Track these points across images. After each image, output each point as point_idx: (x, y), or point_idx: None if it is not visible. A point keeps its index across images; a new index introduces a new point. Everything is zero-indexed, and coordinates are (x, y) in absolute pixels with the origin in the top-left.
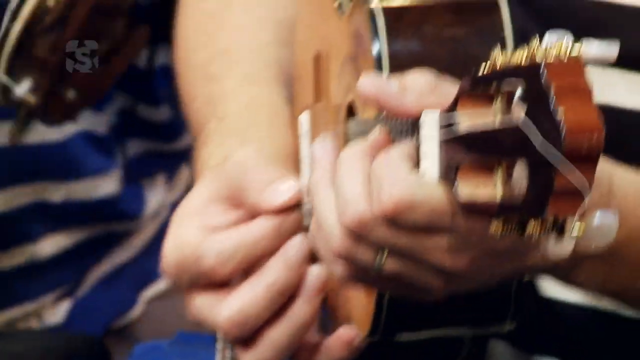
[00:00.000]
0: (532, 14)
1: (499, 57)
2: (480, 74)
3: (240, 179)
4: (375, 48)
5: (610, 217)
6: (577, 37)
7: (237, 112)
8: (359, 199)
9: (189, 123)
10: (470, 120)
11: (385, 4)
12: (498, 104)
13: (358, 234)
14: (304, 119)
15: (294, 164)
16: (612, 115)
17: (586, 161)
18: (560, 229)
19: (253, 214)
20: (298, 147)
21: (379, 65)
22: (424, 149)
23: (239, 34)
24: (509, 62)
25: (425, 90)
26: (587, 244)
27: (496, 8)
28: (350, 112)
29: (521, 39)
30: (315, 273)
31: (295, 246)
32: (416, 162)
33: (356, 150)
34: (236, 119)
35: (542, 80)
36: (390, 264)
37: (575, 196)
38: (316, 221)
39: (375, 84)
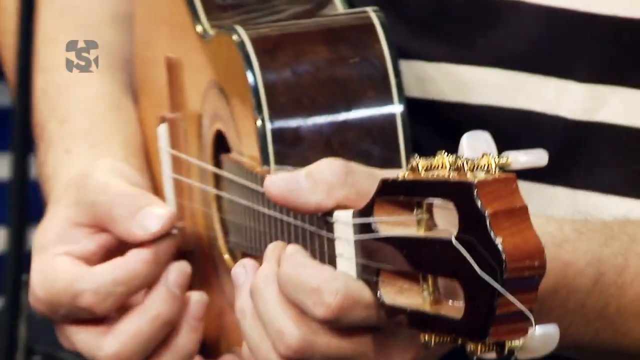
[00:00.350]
0: (404, 26)
1: (419, 162)
2: (400, 179)
3: (105, 208)
4: (249, 80)
5: (551, 329)
6: (455, 38)
7: (78, 111)
8: (291, 327)
9: None
10: (389, 226)
11: (254, 35)
12: (421, 215)
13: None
14: (162, 131)
15: (146, 160)
16: (494, 115)
17: (529, 286)
18: (500, 347)
19: (121, 239)
20: (147, 140)
21: (256, 98)
22: (338, 249)
23: (64, 18)
24: (432, 168)
25: (334, 183)
26: (527, 356)
27: (371, 28)
28: (219, 140)
29: (400, 56)
30: (196, 299)
31: (175, 273)
32: (328, 261)
33: (267, 275)
34: (78, 119)
35: (476, 204)
36: None
37: (518, 321)
38: (249, 348)
39: (282, 185)
